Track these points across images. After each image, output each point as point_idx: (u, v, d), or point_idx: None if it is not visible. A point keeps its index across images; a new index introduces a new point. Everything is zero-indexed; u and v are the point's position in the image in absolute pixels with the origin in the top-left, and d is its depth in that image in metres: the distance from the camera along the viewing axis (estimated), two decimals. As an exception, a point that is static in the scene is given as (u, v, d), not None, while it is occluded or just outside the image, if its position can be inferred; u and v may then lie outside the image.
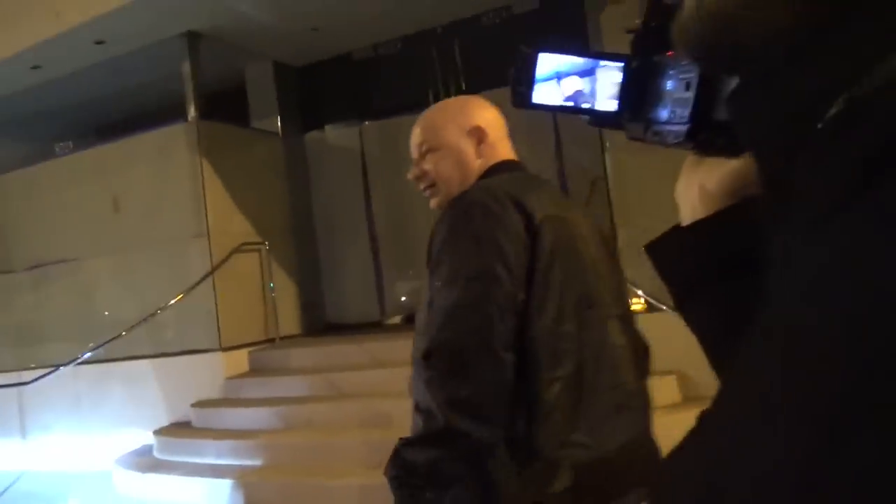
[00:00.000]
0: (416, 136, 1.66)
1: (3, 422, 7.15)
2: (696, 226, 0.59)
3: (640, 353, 1.55)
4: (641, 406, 1.49)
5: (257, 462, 5.04)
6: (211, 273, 6.16)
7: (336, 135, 7.65)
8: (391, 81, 7.42)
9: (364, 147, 7.44)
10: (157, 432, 5.94)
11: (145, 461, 5.66)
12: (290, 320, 6.97)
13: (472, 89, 6.11)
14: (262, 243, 6.71)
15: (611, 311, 1.49)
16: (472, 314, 1.33)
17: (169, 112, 6.76)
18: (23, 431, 7.11)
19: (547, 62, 0.63)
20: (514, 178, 1.56)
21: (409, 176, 1.69)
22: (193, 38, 6.54)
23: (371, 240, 7.18)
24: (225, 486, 4.82)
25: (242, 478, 4.81)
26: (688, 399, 4.40)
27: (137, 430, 6.44)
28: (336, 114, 7.57)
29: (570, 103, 0.64)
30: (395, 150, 7.07)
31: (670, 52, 0.58)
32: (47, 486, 6.33)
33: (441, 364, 1.34)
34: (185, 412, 6.04)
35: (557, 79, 0.64)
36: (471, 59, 6.88)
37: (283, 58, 7.29)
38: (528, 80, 0.63)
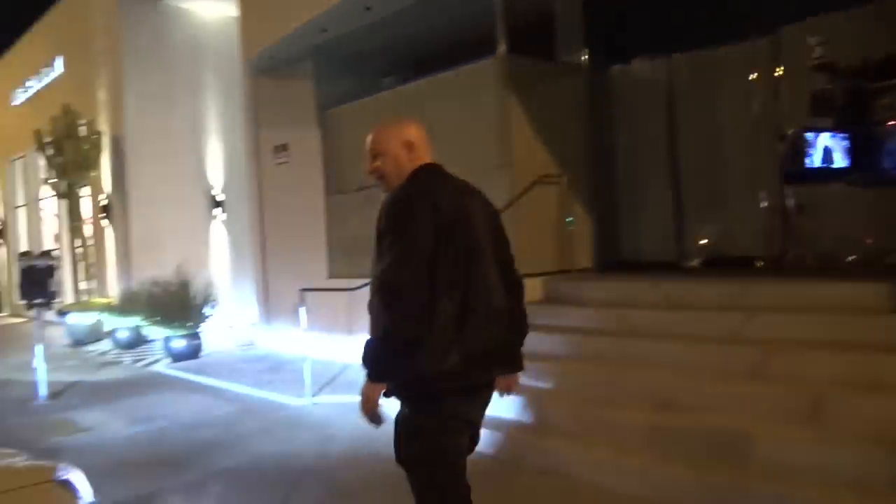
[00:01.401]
0: (368, 143, 2.64)
1: (335, 320, 8.34)
2: None
3: (512, 285, 2.64)
4: (506, 317, 2.55)
5: (548, 385, 5.28)
6: (512, 203, 6.45)
7: (643, 68, 7.40)
8: (702, 12, 6.92)
9: (672, 81, 7.10)
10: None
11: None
12: (583, 254, 7.07)
13: (789, 17, 5.58)
14: (562, 176, 6.82)
15: (490, 259, 2.52)
16: (404, 265, 2.31)
17: (480, 47, 7.07)
18: (349, 329, 8.23)
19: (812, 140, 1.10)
20: (430, 179, 2.55)
21: (366, 170, 2.66)
22: (506, -28, 6.73)
23: (673, 179, 6.91)
24: (516, 402, 5.15)
25: (534, 398, 5.10)
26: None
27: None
28: (643, 46, 7.29)
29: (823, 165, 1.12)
30: (707, 84, 6.66)
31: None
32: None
33: (387, 294, 2.31)
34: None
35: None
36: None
37: (593, -11, 7.19)
38: (800, 157, 0.99)
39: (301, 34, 8.14)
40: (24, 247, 16.99)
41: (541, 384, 5.32)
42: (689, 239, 6.89)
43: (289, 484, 4.34)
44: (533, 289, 6.55)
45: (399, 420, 2.51)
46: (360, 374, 2.44)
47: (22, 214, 17.94)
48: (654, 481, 3.93)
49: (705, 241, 6.73)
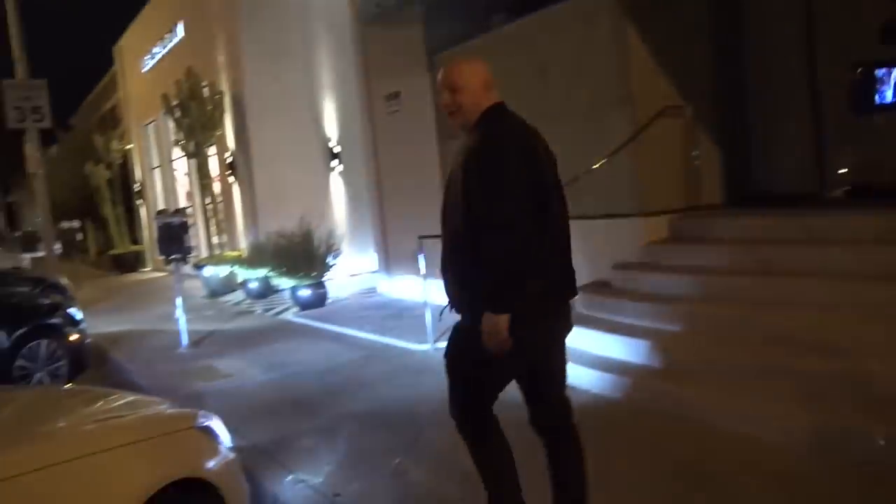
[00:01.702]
0: (443, 77, 2.83)
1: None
2: None
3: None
4: (568, 250, 2.85)
5: (675, 327, 5.05)
6: (634, 137, 6.13)
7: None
8: None
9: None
10: (581, 289, 6.29)
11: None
12: (712, 188, 6.65)
13: None
14: (686, 107, 6.39)
15: (558, 194, 2.78)
16: (510, 200, 2.48)
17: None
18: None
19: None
20: (510, 120, 2.82)
21: (441, 103, 2.85)
22: None
23: (813, 103, 6.29)
24: (643, 346, 4.97)
25: (661, 341, 4.89)
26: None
27: (561, 286, 6.95)
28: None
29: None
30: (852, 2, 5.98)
31: None
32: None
33: (499, 228, 2.47)
34: (606, 272, 6.29)
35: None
36: None
37: None
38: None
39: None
40: (160, 206, 18.12)
41: (668, 326, 5.09)
42: (831, 167, 6.30)
43: (415, 428, 4.40)
44: (657, 227, 6.25)
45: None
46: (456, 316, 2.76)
47: (157, 175, 19.08)
48: (793, 431, 3.67)
49: (845, 170, 6.14)
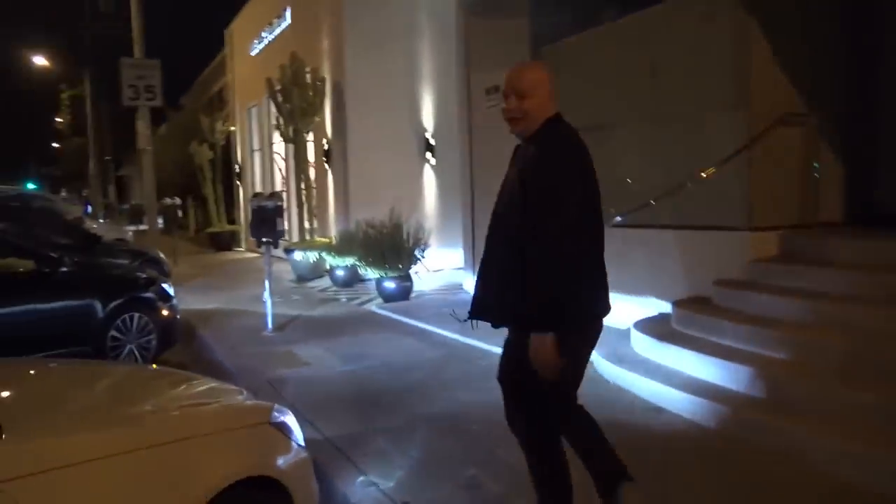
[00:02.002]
0: (510, 80, 2.78)
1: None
2: None
3: None
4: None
5: (782, 355, 4.65)
6: (748, 145, 5.71)
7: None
8: None
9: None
10: (677, 303, 5.97)
11: (663, 329, 5.75)
12: (831, 205, 6.14)
13: None
14: (808, 115, 5.91)
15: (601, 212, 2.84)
16: (567, 217, 2.53)
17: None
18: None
19: None
20: (571, 132, 2.79)
21: (506, 108, 2.80)
22: None
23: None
24: (743, 372, 4.59)
25: (765, 368, 4.51)
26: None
27: (656, 298, 6.60)
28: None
29: None
30: None
31: None
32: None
33: (558, 242, 2.49)
34: (705, 288, 5.91)
35: None
36: None
37: None
38: None
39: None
40: (258, 188, 18.59)
41: (775, 353, 4.69)
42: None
43: (492, 439, 4.20)
44: (767, 243, 5.81)
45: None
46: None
47: (257, 158, 19.59)
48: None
49: None
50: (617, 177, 7.37)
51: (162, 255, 11.41)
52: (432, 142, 12.93)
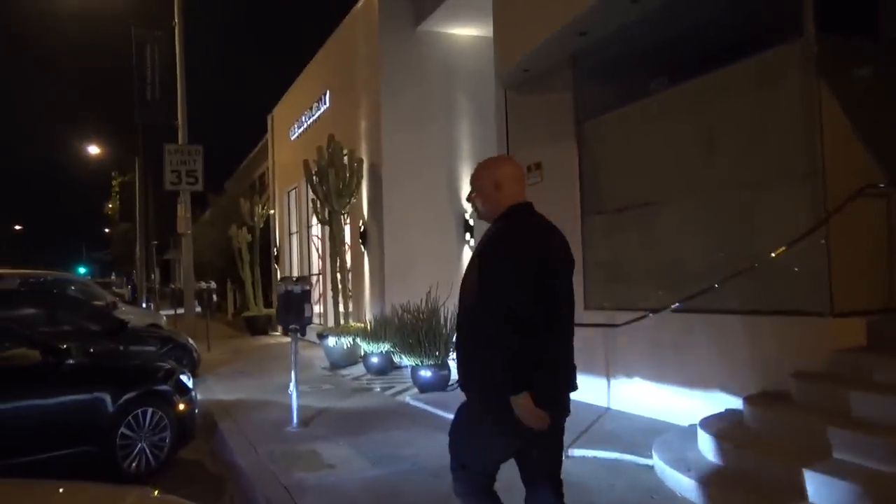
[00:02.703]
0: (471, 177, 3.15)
1: (591, 357, 7.41)
2: None
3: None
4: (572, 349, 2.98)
5: (891, 468, 3.86)
6: (825, 221, 5.06)
7: None
8: None
9: None
10: (749, 399, 5.22)
11: (735, 431, 4.99)
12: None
13: None
14: (893, 186, 5.26)
15: (568, 289, 2.93)
16: (519, 301, 2.68)
17: (773, 34, 5.75)
18: (608, 370, 7.23)
19: None
20: (523, 219, 2.95)
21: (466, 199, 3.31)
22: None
23: None
24: (843, 489, 3.81)
25: (871, 484, 3.72)
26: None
27: (723, 392, 5.86)
28: None
29: None
30: None
31: None
32: (628, 429, 6.27)
33: (502, 317, 2.68)
34: (781, 381, 5.18)
35: None
36: None
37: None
38: None
39: (558, 40, 7.39)
40: (295, 271, 18.32)
41: (879, 466, 3.91)
42: None
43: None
44: (852, 330, 5.08)
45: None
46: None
47: (295, 240, 19.42)
48: None
49: None
50: (670, 257, 6.76)
51: (191, 342, 11.00)
52: (471, 222, 12.49)
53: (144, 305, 26.05)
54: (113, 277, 49.57)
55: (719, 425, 5.19)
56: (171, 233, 30.99)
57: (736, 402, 5.53)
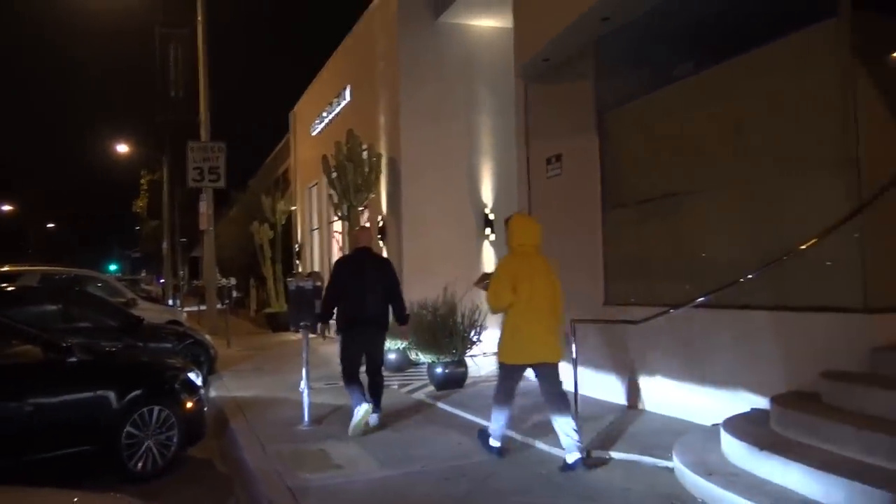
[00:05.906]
0: None
1: (611, 354, 7.14)
2: None
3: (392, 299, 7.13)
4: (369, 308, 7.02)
5: (930, 476, 3.57)
6: (859, 211, 4.75)
7: None
8: None
9: None
10: (776, 399, 4.93)
11: (760, 432, 4.70)
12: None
13: None
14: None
15: (369, 285, 6.90)
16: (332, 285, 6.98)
17: (805, 14, 5.42)
18: (629, 366, 6.97)
19: None
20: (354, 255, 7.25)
21: None
22: None
23: None
24: (877, 497, 3.53)
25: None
26: None
27: (747, 391, 5.58)
28: None
29: None
30: None
31: None
32: (648, 429, 6.01)
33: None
34: (810, 381, 4.89)
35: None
36: None
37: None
38: None
39: (579, 27, 7.12)
40: (316, 266, 18.22)
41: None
42: None
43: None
44: (890, 328, 4.76)
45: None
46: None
47: (316, 236, 19.33)
48: None
49: None
50: (694, 251, 6.48)
51: (208, 338, 10.90)
52: (491, 217, 12.25)
53: (171, 302, 26.21)
54: (143, 274, 50.14)
55: (743, 426, 4.91)
56: (197, 230, 31.21)
57: (761, 402, 5.26)
